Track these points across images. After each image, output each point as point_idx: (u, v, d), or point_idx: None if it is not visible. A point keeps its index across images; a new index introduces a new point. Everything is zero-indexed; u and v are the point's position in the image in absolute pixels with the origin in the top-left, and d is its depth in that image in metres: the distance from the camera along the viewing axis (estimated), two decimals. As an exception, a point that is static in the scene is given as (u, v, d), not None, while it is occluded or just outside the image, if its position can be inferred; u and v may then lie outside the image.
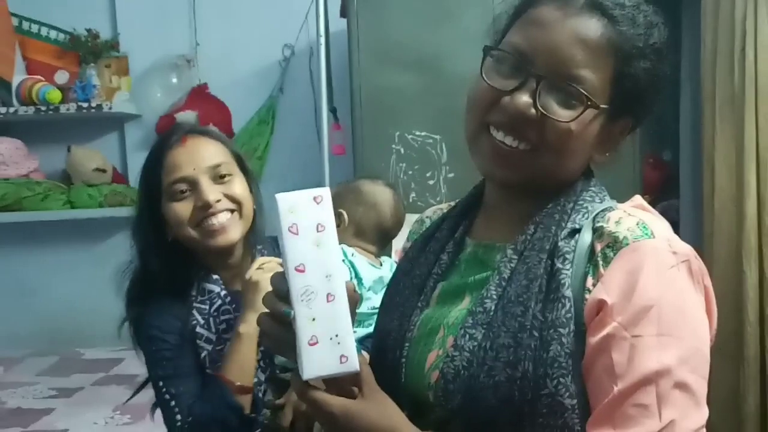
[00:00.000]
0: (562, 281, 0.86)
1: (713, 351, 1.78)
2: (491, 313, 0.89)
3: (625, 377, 0.81)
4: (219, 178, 1.38)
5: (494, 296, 0.90)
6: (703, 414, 0.83)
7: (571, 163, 0.93)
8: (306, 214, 0.86)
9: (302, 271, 0.85)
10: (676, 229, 2.87)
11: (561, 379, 0.83)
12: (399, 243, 2.58)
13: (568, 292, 0.85)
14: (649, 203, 1.14)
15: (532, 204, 0.95)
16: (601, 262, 0.86)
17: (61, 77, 3.43)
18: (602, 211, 0.91)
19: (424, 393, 0.92)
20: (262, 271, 1.31)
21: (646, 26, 0.92)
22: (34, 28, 3.48)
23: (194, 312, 1.40)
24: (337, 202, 1.40)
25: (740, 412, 2.50)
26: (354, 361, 0.83)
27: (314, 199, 0.87)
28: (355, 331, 0.85)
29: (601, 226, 0.89)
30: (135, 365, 2.90)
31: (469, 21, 2.53)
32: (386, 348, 0.99)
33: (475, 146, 0.95)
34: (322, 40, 2.76)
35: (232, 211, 1.38)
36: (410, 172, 2.64)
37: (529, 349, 0.84)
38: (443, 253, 1.03)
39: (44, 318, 3.54)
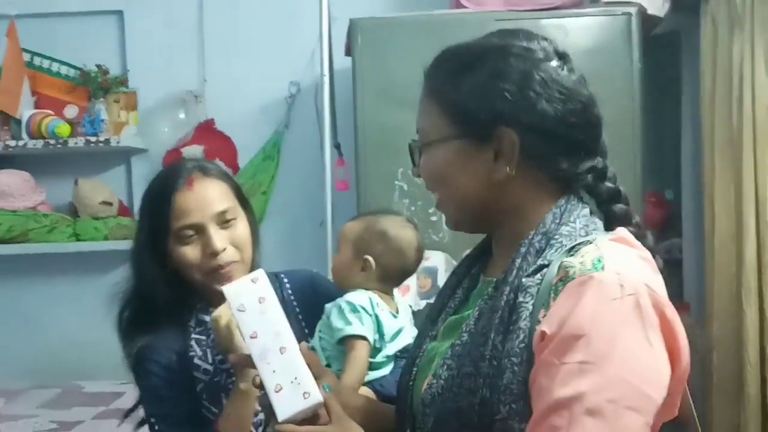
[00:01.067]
0: (521, 314, 0.92)
1: (713, 389, 1.80)
2: (464, 345, 0.98)
3: (545, 399, 0.86)
4: (224, 222, 1.42)
5: (471, 329, 0.99)
6: None
7: (456, 191, 1.04)
8: (248, 293, 1.14)
9: (255, 337, 1.10)
10: (679, 267, 2.88)
11: (512, 405, 0.90)
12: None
13: (524, 324, 0.91)
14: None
15: (513, 243, 1.02)
16: (552, 296, 0.91)
17: (71, 112, 3.47)
18: (579, 244, 0.95)
19: (419, 412, 1.04)
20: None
21: (453, 58, 1.05)
22: (45, 63, 3.54)
23: (192, 343, 1.43)
24: (362, 245, 1.45)
25: (741, 451, 2.49)
26: (316, 394, 1.04)
27: (252, 281, 1.16)
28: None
29: (563, 261, 0.93)
30: (135, 399, 2.93)
31: (471, 61, 2.57)
32: (403, 374, 1.14)
33: None
34: (326, 78, 2.80)
35: (236, 261, 1.42)
36: (413, 209, 2.67)
37: (487, 377, 0.92)
38: (459, 288, 1.14)
39: (47, 350, 3.54)
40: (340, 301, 1.43)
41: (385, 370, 1.44)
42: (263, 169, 3.41)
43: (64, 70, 3.54)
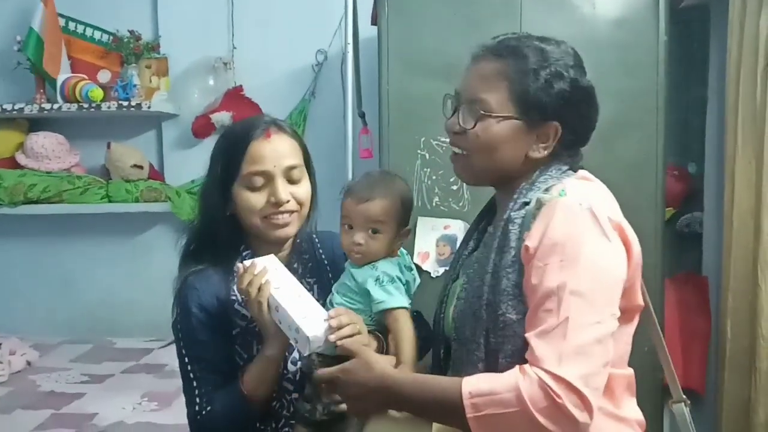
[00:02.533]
0: (510, 237, 1.25)
1: (726, 362, 2.35)
2: (475, 270, 1.32)
3: (537, 292, 1.17)
4: (291, 178, 1.50)
5: (479, 256, 1.34)
6: (599, 312, 1.15)
7: (500, 159, 1.31)
8: (265, 263, 1.44)
9: (278, 288, 1.40)
10: (699, 241, 2.88)
11: (510, 302, 1.22)
12: (422, 246, 2.65)
13: (513, 244, 1.24)
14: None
15: (509, 191, 1.32)
16: (532, 221, 1.23)
17: (104, 76, 3.55)
18: (552, 186, 1.27)
19: (450, 334, 1.36)
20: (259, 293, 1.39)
21: (538, 56, 1.29)
22: (80, 28, 3.61)
23: (235, 288, 1.48)
24: (405, 218, 1.50)
25: (751, 423, 2.51)
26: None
27: (266, 259, 1.45)
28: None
29: (538, 196, 1.25)
30: (164, 355, 3.04)
31: (496, 31, 2.53)
32: (436, 311, 1.45)
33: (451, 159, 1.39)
34: (350, 47, 2.84)
35: (295, 211, 1.51)
36: (434, 177, 2.70)
37: (490, 285, 1.25)
38: (471, 239, 1.46)
39: (80, 307, 3.67)
40: (377, 272, 1.46)
41: None
42: (289, 136, 3.47)
43: (97, 35, 3.62)
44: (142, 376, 2.91)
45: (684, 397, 1.58)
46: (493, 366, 1.22)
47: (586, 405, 1.09)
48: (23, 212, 3.48)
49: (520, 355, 1.18)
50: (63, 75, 3.44)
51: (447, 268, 2.67)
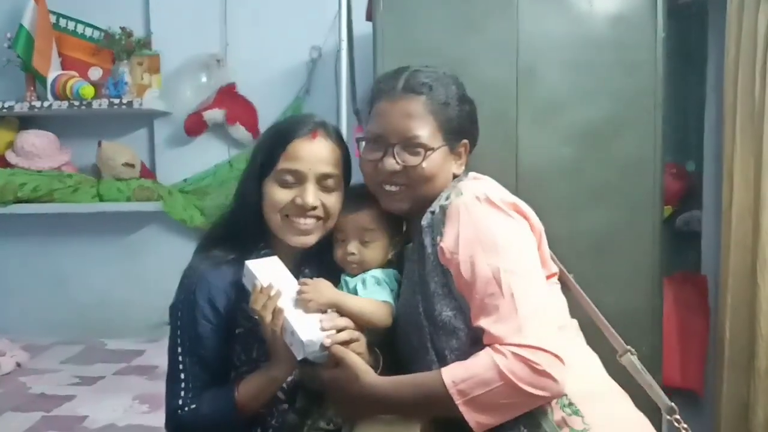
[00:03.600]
0: (426, 245, 1.37)
1: (725, 361, 2.44)
2: (406, 280, 1.45)
3: (476, 283, 1.29)
4: (325, 186, 1.47)
5: (408, 268, 1.45)
6: (532, 279, 1.32)
7: (437, 183, 1.46)
8: (267, 266, 1.43)
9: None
10: (698, 240, 2.87)
11: (442, 302, 1.35)
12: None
13: (429, 250, 1.36)
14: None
15: (422, 212, 1.44)
16: (441, 225, 1.36)
17: (95, 73, 3.51)
18: (449, 192, 1.41)
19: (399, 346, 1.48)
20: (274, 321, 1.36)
21: (445, 88, 1.46)
22: (71, 25, 3.57)
23: (244, 281, 1.46)
24: (395, 224, 1.54)
25: (750, 424, 2.50)
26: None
27: (268, 260, 1.44)
28: None
29: (441, 204, 1.39)
30: (156, 357, 3.00)
31: (492, 29, 2.56)
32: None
33: (378, 196, 1.49)
34: (345, 44, 2.81)
35: (320, 219, 1.47)
36: (430, 175, 2.68)
37: (421, 291, 1.37)
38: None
39: (72, 307, 3.64)
40: (366, 275, 1.49)
41: None
42: (283, 133, 3.44)
43: (89, 32, 3.58)
44: (134, 378, 2.87)
45: (628, 347, 1.60)
46: (443, 362, 1.32)
47: (557, 359, 1.22)
48: (13, 211, 3.43)
49: (463, 347, 1.32)
50: (54, 72, 3.40)
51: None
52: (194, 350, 1.45)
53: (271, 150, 1.48)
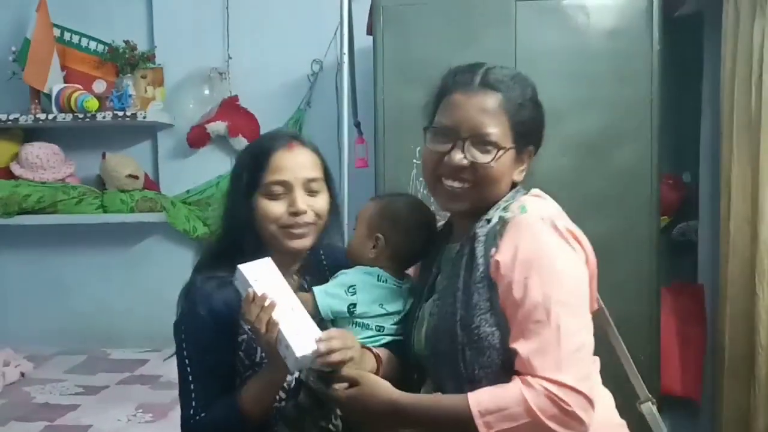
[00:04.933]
0: (477, 254, 1.32)
1: (724, 371, 2.42)
2: (445, 288, 1.38)
3: (524, 306, 1.24)
4: (311, 190, 1.51)
5: (448, 274, 1.39)
6: (581, 318, 1.27)
7: (500, 187, 1.40)
8: (260, 270, 1.39)
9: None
10: (694, 250, 2.89)
11: (483, 316, 1.29)
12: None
13: (480, 260, 1.32)
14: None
15: (475, 216, 1.39)
16: (498, 238, 1.32)
17: (99, 86, 3.55)
18: (509, 204, 1.37)
19: (421, 352, 1.42)
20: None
21: (521, 89, 1.40)
22: (75, 38, 3.61)
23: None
24: (375, 224, 1.54)
25: (751, 431, 2.51)
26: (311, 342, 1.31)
27: (262, 262, 1.40)
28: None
29: (500, 215, 1.34)
30: (159, 367, 3.03)
31: (490, 42, 2.59)
32: (406, 333, 1.48)
33: (434, 192, 1.44)
34: (345, 57, 2.84)
35: (312, 223, 1.51)
36: (430, 187, 2.70)
37: (462, 301, 1.32)
38: (432, 265, 1.49)
39: (75, 317, 3.65)
40: (340, 273, 1.54)
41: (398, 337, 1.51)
42: (285, 145, 3.47)
43: (93, 45, 3.61)
44: (137, 388, 2.89)
45: (650, 395, 1.61)
46: (470, 377, 1.29)
47: (589, 403, 1.19)
48: (18, 222, 3.46)
49: (494, 366, 1.28)
50: (58, 85, 3.43)
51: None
52: (201, 361, 1.48)
53: (253, 167, 1.51)
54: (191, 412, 1.46)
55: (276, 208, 1.49)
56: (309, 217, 1.50)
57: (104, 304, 3.64)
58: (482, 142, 1.35)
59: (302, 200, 1.49)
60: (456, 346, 1.31)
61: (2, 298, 3.71)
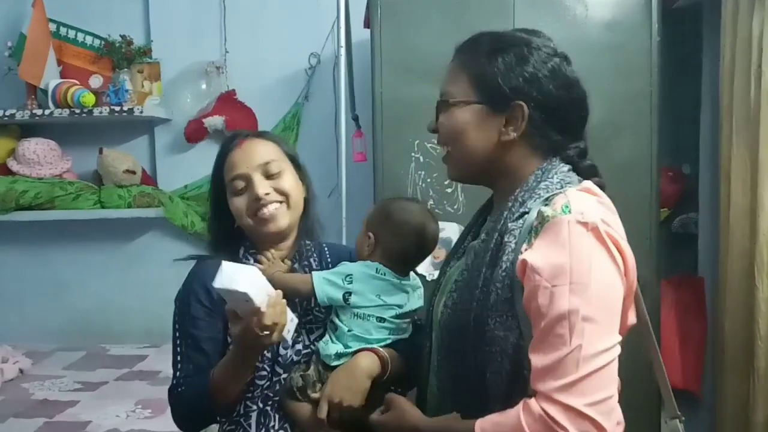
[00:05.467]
0: (505, 250, 1.21)
1: (724, 363, 2.26)
2: (464, 279, 1.28)
3: (547, 315, 1.12)
4: (270, 173, 1.56)
5: (469, 266, 1.28)
6: (609, 338, 1.13)
7: (470, 146, 1.29)
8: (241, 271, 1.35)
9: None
10: (694, 242, 2.88)
11: (498, 318, 1.19)
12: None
13: (507, 257, 1.20)
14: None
15: (503, 192, 1.31)
16: (533, 235, 1.19)
17: (96, 81, 3.53)
18: (553, 195, 1.22)
19: (437, 328, 1.35)
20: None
21: (490, 41, 1.29)
22: (71, 33, 3.59)
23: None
24: (370, 224, 1.57)
25: (749, 423, 2.51)
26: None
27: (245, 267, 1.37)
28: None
29: (540, 209, 1.20)
30: (158, 362, 3.02)
31: (489, 34, 2.58)
32: (430, 300, 1.42)
33: None
34: (343, 51, 2.83)
35: (280, 202, 1.56)
36: (429, 180, 2.70)
37: (479, 300, 1.21)
38: (469, 233, 1.43)
39: (73, 313, 3.65)
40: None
41: (404, 335, 1.55)
42: (282, 140, 3.46)
43: (89, 40, 3.59)
44: (136, 384, 2.89)
45: (679, 413, 1.54)
46: (480, 381, 1.21)
47: (599, 430, 1.09)
48: (15, 219, 3.45)
49: (506, 373, 1.19)
50: (54, 81, 3.42)
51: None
52: (188, 332, 1.52)
53: (217, 172, 1.61)
54: (174, 382, 1.52)
55: (242, 201, 1.56)
56: (273, 197, 1.55)
57: (102, 300, 3.64)
58: (442, 104, 1.32)
59: (261, 185, 1.54)
60: (467, 345, 1.23)
61: (0, 294, 3.69)
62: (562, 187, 1.23)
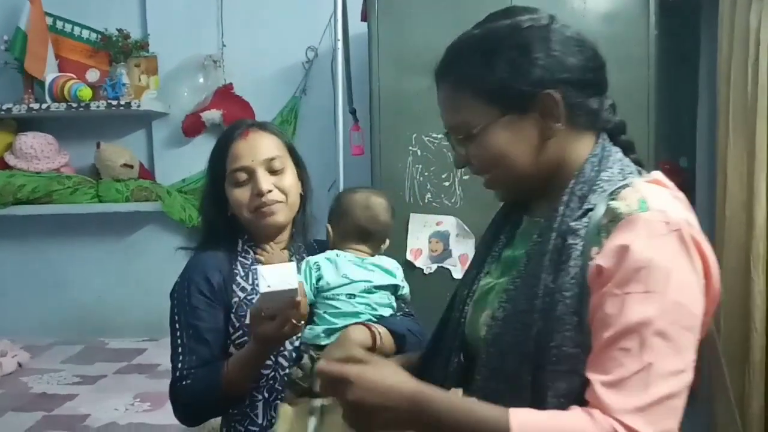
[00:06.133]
0: (571, 254, 1.04)
1: (720, 356, 1.79)
2: (517, 288, 1.10)
3: (613, 326, 0.97)
4: (273, 170, 1.57)
5: (522, 272, 1.11)
6: (683, 359, 0.97)
7: (514, 164, 1.13)
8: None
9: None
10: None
11: (566, 333, 1.02)
12: (414, 242, 2.63)
13: (574, 262, 1.04)
14: None
15: (555, 189, 1.12)
16: (604, 234, 1.03)
17: (92, 75, 3.53)
18: (619, 188, 1.06)
19: (477, 344, 1.16)
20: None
21: (474, 47, 1.13)
22: (68, 27, 3.59)
23: (237, 264, 1.59)
24: (328, 217, 1.64)
25: (745, 416, 2.52)
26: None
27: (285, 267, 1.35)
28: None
29: (609, 204, 1.04)
30: (157, 356, 3.02)
31: (486, 27, 2.58)
32: (453, 308, 1.27)
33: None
34: (340, 44, 2.83)
35: (280, 201, 1.57)
36: (426, 174, 2.70)
37: (541, 311, 1.04)
38: (501, 233, 1.26)
39: (71, 307, 3.65)
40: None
41: (384, 311, 1.58)
42: (280, 134, 3.46)
43: (85, 34, 3.59)
44: (135, 377, 2.89)
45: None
46: (537, 404, 1.03)
47: None
48: (12, 213, 3.45)
49: (575, 395, 1.01)
50: (51, 74, 3.41)
51: (441, 265, 2.68)
52: (189, 323, 1.52)
53: (217, 160, 1.60)
54: (177, 375, 1.50)
55: (242, 194, 1.56)
56: (275, 196, 1.56)
57: (100, 294, 3.64)
58: (458, 134, 1.16)
59: (265, 181, 1.55)
60: (527, 366, 1.05)
61: (-2, 288, 3.70)
62: (624, 178, 1.09)
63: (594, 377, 0.97)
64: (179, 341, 1.53)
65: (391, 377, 1.03)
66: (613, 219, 1.02)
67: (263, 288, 1.30)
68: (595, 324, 1.00)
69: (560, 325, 1.03)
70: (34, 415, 2.49)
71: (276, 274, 1.32)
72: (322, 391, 1.12)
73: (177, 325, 1.54)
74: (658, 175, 1.12)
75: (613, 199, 1.04)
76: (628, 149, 1.19)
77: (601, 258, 1.01)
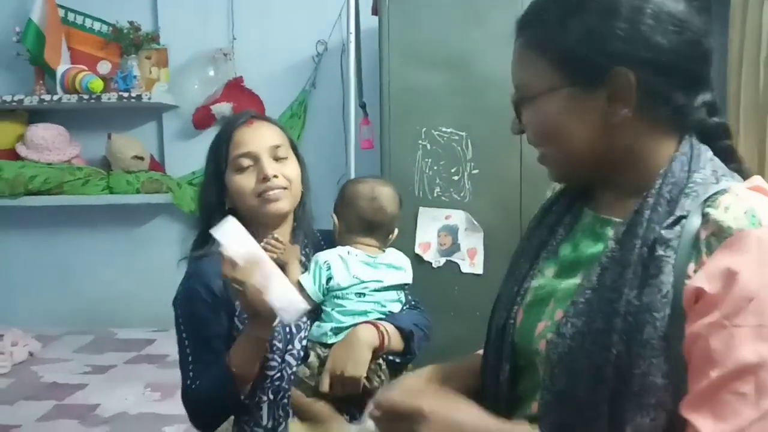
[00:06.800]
0: (662, 268, 0.88)
1: None
2: (590, 302, 0.94)
3: (724, 364, 0.83)
4: (278, 157, 1.56)
5: (594, 284, 0.94)
6: None
7: (570, 141, 0.99)
8: (231, 230, 1.41)
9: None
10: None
11: (653, 360, 0.87)
12: (423, 236, 2.63)
13: (667, 278, 0.88)
14: None
15: (630, 188, 0.99)
16: (704, 250, 0.88)
17: (104, 67, 3.55)
18: (715, 194, 0.91)
19: (531, 357, 1.02)
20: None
21: (552, 9, 0.99)
22: (79, 19, 3.61)
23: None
24: (334, 207, 1.62)
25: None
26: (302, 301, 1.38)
27: (229, 222, 1.41)
28: None
29: (709, 213, 0.89)
30: (167, 346, 3.05)
31: (497, 22, 2.58)
32: (499, 308, 1.10)
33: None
34: (352, 37, 2.83)
35: (284, 187, 1.55)
36: (435, 168, 2.70)
37: (623, 333, 0.89)
38: (559, 225, 1.10)
39: (82, 298, 3.68)
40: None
41: (393, 307, 1.58)
42: (290, 127, 3.46)
43: (97, 26, 3.61)
44: (145, 367, 2.92)
45: None
46: None
47: None
48: (24, 204, 3.48)
49: (659, 430, 0.89)
50: (63, 66, 3.43)
51: (449, 259, 2.69)
52: (196, 332, 1.51)
53: (219, 148, 1.58)
54: (188, 382, 1.50)
55: (247, 180, 1.54)
56: (281, 182, 1.54)
57: (110, 285, 3.67)
58: (522, 101, 1.04)
59: (270, 166, 1.53)
60: (603, 394, 0.90)
61: (9, 278, 3.73)
62: (717, 180, 0.94)
63: (703, 422, 0.83)
64: (187, 350, 1.51)
65: (469, 415, 0.94)
66: (717, 233, 0.87)
67: (213, 230, 1.38)
68: (695, 357, 0.86)
69: (647, 350, 0.87)
70: (45, 404, 2.52)
71: (230, 230, 1.39)
72: (377, 422, 1.01)
73: (183, 335, 1.52)
74: (759, 180, 0.95)
75: (709, 207, 0.89)
76: (728, 159, 1.00)
77: (702, 279, 0.86)
